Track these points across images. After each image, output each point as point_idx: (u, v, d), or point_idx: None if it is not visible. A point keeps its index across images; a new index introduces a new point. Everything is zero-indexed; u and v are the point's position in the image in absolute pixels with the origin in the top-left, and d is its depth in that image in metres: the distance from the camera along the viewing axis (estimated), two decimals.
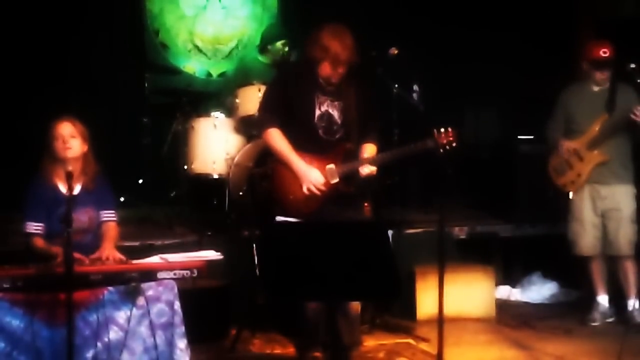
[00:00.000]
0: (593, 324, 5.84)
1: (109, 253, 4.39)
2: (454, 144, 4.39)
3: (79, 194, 4.55)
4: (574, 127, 5.84)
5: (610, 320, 5.87)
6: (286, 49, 6.84)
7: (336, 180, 4.48)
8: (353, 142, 4.55)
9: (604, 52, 5.65)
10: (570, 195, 5.88)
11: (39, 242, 4.48)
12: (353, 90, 4.54)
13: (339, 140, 4.54)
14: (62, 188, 4.53)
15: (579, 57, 6.02)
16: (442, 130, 4.39)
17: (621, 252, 5.76)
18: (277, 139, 4.51)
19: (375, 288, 3.45)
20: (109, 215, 4.68)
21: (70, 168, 4.23)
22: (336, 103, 4.53)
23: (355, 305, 4.64)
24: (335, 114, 4.52)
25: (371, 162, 4.52)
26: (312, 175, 4.46)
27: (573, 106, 5.86)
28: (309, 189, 4.45)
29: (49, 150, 4.57)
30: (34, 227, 4.50)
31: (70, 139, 4.54)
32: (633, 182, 5.80)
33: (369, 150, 4.59)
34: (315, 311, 4.52)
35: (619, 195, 5.75)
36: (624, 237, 5.74)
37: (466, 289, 6.02)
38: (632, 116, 5.46)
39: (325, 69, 4.44)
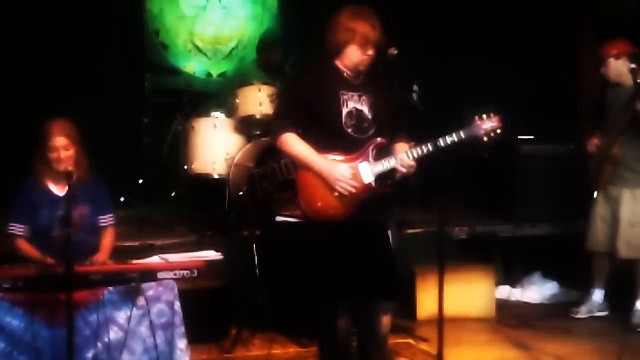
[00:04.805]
0: (577, 316, 5.90)
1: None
2: (498, 131, 4.05)
3: (70, 191, 4.54)
4: (606, 125, 5.84)
5: (601, 314, 5.90)
6: (279, 55, 6.84)
7: (371, 180, 4.02)
8: (386, 138, 4.08)
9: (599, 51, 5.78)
10: (595, 194, 5.88)
11: (22, 244, 4.48)
12: (379, 83, 4.13)
13: (370, 138, 4.07)
14: (53, 189, 4.53)
15: (582, 56, 6.04)
16: (485, 116, 4.06)
17: (630, 255, 5.74)
18: (293, 142, 4.02)
19: (375, 288, 3.45)
20: (107, 220, 4.67)
21: (68, 169, 4.22)
22: (364, 97, 4.08)
23: (384, 327, 4.16)
24: (365, 109, 4.07)
25: (409, 156, 4.00)
26: (338, 170, 3.96)
27: (609, 105, 5.86)
28: (339, 186, 3.95)
29: (41, 154, 4.47)
30: (18, 228, 4.49)
31: (65, 152, 4.44)
32: None
33: (403, 148, 4.10)
34: (345, 332, 4.11)
35: (626, 198, 5.72)
36: (636, 239, 5.71)
37: (466, 289, 6.02)
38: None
39: (354, 54, 4.01)
